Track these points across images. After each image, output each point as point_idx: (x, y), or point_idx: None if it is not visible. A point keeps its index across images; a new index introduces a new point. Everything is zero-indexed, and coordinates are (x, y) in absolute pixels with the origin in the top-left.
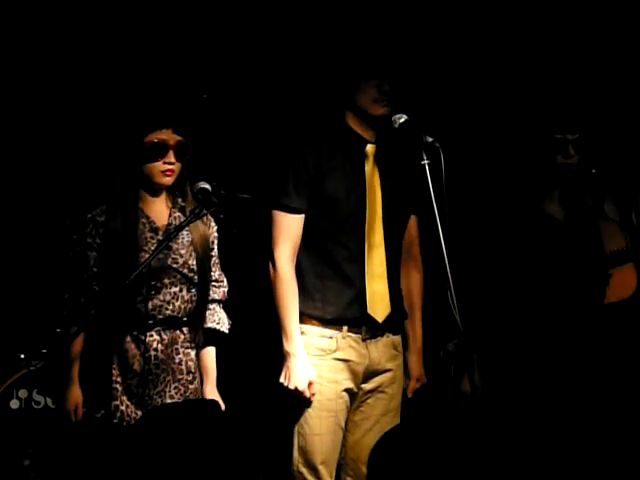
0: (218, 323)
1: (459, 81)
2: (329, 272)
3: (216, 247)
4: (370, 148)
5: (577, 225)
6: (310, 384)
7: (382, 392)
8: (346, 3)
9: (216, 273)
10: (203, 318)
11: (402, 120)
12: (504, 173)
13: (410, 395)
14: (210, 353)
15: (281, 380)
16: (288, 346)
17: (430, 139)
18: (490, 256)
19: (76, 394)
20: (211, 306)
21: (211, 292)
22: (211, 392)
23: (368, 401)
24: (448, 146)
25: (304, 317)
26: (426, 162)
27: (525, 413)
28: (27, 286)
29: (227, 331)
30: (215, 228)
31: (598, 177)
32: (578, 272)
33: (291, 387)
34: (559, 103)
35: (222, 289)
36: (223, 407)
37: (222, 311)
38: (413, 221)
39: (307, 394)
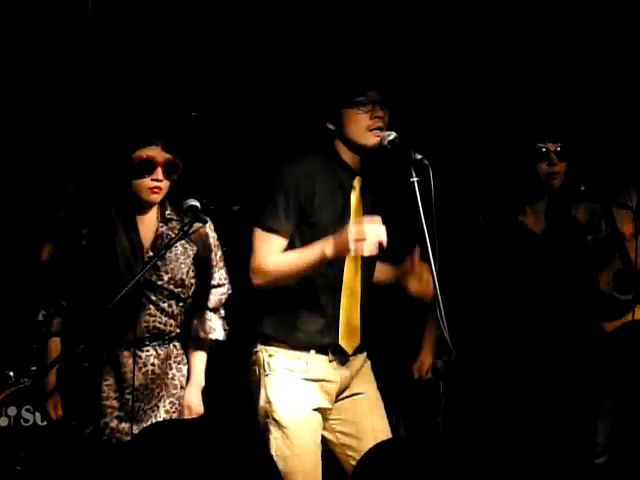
0: (209, 332)
1: (443, 94)
2: (304, 300)
3: (217, 251)
4: (357, 180)
5: (560, 240)
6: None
7: (356, 394)
8: (339, 27)
9: (216, 277)
10: (194, 331)
11: (391, 137)
12: (491, 186)
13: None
14: (198, 357)
15: (350, 246)
16: (329, 249)
17: (419, 156)
18: (475, 273)
19: (54, 397)
20: (205, 314)
21: (207, 300)
22: (192, 393)
23: (346, 406)
24: (435, 162)
25: (273, 341)
26: (415, 180)
27: (513, 426)
28: (17, 303)
29: (221, 338)
30: (213, 236)
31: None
32: (559, 288)
33: (372, 239)
34: (542, 113)
35: (220, 296)
36: (202, 411)
37: (216, 318)
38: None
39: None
